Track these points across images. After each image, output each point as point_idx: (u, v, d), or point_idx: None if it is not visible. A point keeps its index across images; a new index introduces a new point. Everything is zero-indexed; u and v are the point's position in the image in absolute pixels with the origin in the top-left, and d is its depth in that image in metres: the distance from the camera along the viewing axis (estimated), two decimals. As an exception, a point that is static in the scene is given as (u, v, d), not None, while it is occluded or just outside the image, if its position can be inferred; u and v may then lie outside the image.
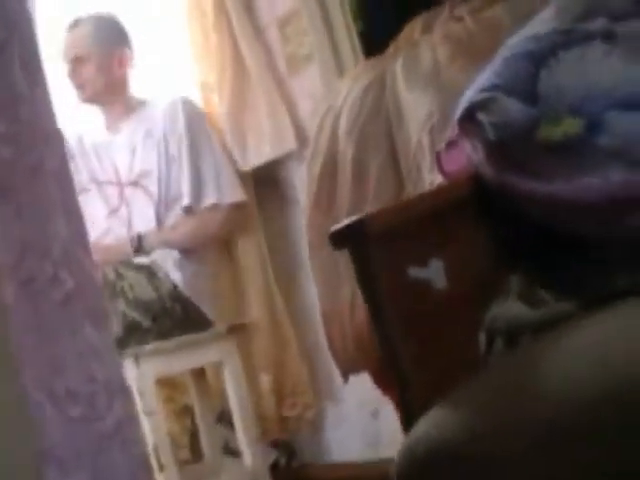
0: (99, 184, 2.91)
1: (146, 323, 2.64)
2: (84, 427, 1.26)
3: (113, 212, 2.88)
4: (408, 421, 0.98)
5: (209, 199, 2.78)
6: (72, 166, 2.90)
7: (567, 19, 1.26)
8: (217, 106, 2.96)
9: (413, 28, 2.18)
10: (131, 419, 1.33)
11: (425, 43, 1.97)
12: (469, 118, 1.18)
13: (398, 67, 1.92)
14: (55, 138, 1.33)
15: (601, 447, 0.78)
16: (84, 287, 1.32)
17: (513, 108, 1.14)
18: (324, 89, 2.65)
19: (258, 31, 2.93)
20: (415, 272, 1.02)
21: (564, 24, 1.25)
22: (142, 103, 2.95)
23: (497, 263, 1.16)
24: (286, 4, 2.83)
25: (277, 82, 2.88)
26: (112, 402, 1.31)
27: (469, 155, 1.21)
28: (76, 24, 2.87)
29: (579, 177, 1.09)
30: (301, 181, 2.58)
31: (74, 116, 2.98)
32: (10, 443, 1.15)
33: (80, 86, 2.88)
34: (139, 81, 3.03)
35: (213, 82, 2.95)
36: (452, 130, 1.27)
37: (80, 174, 2.90)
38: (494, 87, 1.17)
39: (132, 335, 2.62)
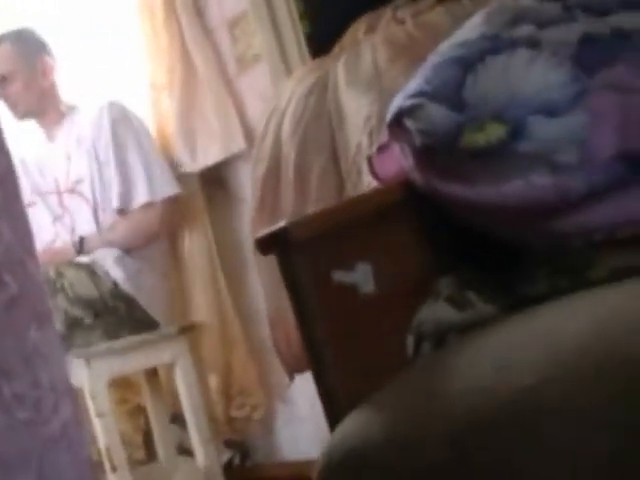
0: (42, 195, 2.93)
1: (88, 320, 2.65)
2: (30, 430, 1.27)
3: (57, 219, 2.89)
4: (334, 427, 1.00)
5: (140, 198, 2.79)
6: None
7: (495, 25, 1.28)
8: (166, 107, 2.96)
9: (357, 29, 2.20)
10: (77, 421, 1.34)
11: (367, 44, 1.98)
12: (397, 124, 1.20)
13: (340, 68, 1.94)
14: (-1, 146, 1.33)
15: (499, 464, 0.80)
16: (28, 290, 1.32)
17: (439, 114, 1.16)
18: (273, 89, 2.66)
19: (207, 32, 2.93)
20: (340, 276, 1.04)
21: (492, 30, 1.27)
22: (72, 108, 2.97)
23: (429, 267, 1.18)
24: (235, 6, 2.84)
25: (226, 82, 2.89)
26: (58, 405, 1.31)
27: (400, 160, 1.23)
28: None
29: (503, 182, 1.12)
30: (249, 180, 2.59)
31: (14, 131, 2.96)
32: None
33: (12, 105, 2.89)
34: (82, 84, 3.03)
35: (163, 83, 2.95)
36: (384, 135, 1.29)
37: (24, 191, 2.90)
38: (421, 93, 1.19)
39: (75, 332, 2.63)
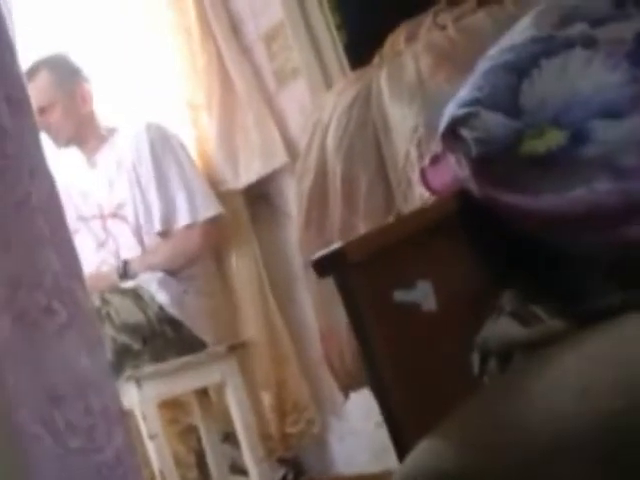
0: (85, 221, 2.91)
1: (136, 346, 2.64)
2: (83, 459, 1.25)
3: (101, 245, 2.89)
4: (400, 449, 0.96)
5: (183, 220, 2.78)
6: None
7: (545, 26, 1.24)
8: (206, 126, 2.95)
9: (397, 37, 2.16)
10: (130, 448, 1.32)
11: (409, 53, 1.95)
12: (452, 134, 1.17)
13: (383, 79, 1.90)
14: (42, 171, 1.32)
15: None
16: (78, 317, 1.31)
17: (495, 122, 1.12)
18: (312, 102, 2.64)
19: (244, 48, 2.92)
20: (401, 295, 1.01)
21: (543, 31, 1.23)
22: (111, 131, 2.95)
23: (489, 280, 1.14)
24: (271, 19, 2.82)
25: (266, 98, 2.88)
26: (111, 432, 1.29)
27: (455, 171, 1.19)
28: (32, 75, 2.86)
29: (565, 190, 1.08)
30: (294, 195, 2.57)
31: (56, 158, 2.97)
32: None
33: (53, 135, 2.88)
34: (120, 105, 3.03)
35: (201, 102, 2.95)
36: (437, 145, 1.25)
37: (69, 218, 2.89)
38: (475, 101, 1.15)
39: (124, 359, 2.62)
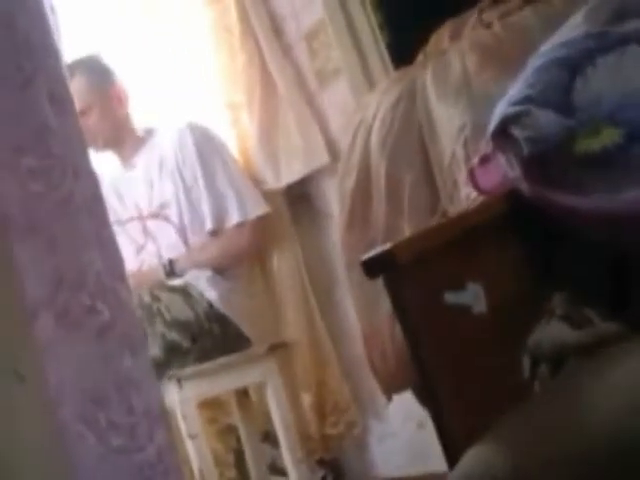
0: (122, 224, 2.89)
1: (186, 344, 2.64)
2: (125, 458, 1.25)
3: (141, 248, 2.88)
4: (450, 454, 0.94)
5: (233, 219, 2.78)
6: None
7: (598, 22, 1.21)
8: (247, 125, 2.95)
9: (442, 36, 2.14)
10: (171, 447, 1.32)
11: (454, 51, 1.92)
12: (502, 133, 1.14)
13: (428, 77, 1.88)
14: (85, 170, 1.32)
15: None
16: (121, 317, 1.31)
17: (548, 121, 1.09)
18: (354, 102, 2.63)
19: (285, 47, 2.91)
20: (452, 297, 0.99)
21: (597, 26, 1.20)
22: (150, 132, 2.94)
23: (540, 282, 1.11)
24: (312, 18, 2.81)
25: (307, 98, 2.86)
26: (153, 431, 1.29)
27: (505, 171, 1.17)
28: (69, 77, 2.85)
29: (622, 189, 1.05)
30: (335, 195, 2.56)
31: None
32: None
33: (91, 138, 2.87)
34: (158, 106, 3.03)
35: (242, 102, 2.94)
36: (486, 145, 1.23)
37: None
38: (526, 99, 1.12)
39: (173, 356, 2.62)
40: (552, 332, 1.05)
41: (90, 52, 2.95)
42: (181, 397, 2.54)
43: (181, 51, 3.09)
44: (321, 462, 3.03)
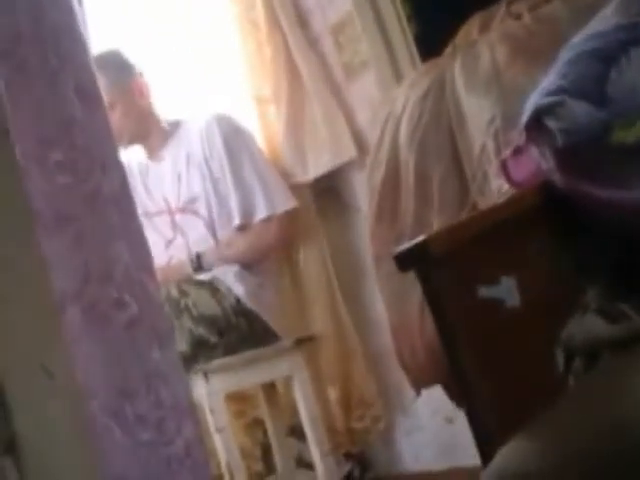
0: (150, 217, 2.89)
1: (213, 339, 2.64)
2: (153, 451, 1.25)
3: (169, 242, 2.88)
4: (484, 450, 0.94)
5: (261, 213, 2.76)
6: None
7: (630, 13, 1.20)
8: (274, 119, 2.94)
9: (471, 27, 2.13)
10: (199, 440, 1.32)
11: (483, 43, 1.91)
12: (536, 124, 1.13)
13: (457, 69, 1.87)
14: (113, 163, 1.32)
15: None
16: (148, 310, 1.31)
17: (582, 112, 1.08)
18: (381, 95, 2.61)
19: (312, 41, 2.90)
20: (485, 292, 0.98)
21: (628, 18, 1.18)
22: (176, 125, 2.93)
23: (574, 276, 1.10)
24: (339, 10, 2.80)
25: (334, 91, 2.85)
26: (181, 425, 1.29)
27: (538, 162, 1.16)
28: None
29: (656, 182, 1.03)
30: (362, 189, 2.55)
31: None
32: (75, 473, 1.14)
33: (116, 135, 2.86)
34: (191, 100, 3.03)
35: (269, 95, 2.93)
36: (518, 136, 1.22)
37: None
38: (560, 90, 1.11)
39: (200, 351, 2.62)
40: (586, 326, 1.04)
41: (109, 48, 2.94)
42: (208, 390, 2.54)
43: (209, 45, 3.09)
44: (348, 456, 3.03)
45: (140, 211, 2.86)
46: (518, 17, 1.96)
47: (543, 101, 1.12)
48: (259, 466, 3.06)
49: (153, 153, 2.93)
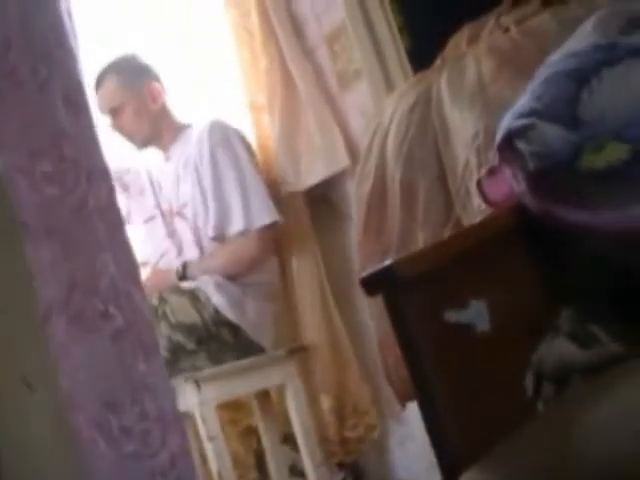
0: (162, 211, 2.93)
1: (190, 346, 2.64)
2: (138, 463, 1.25)
3: (170, 236, 2.89)
4: (448, 475, 0.93)
5: (236, 227, 2.73)
6: (123, 199, 2.97)
7: (609, 32, 1.19)
8: (268, 126, 2.94)
9: (459, 39, 2.12)
10: (186, 452, 1.32)
11: (470, 56, 1.90)
12: (508, 146, 1.13)
13: (443, 82, 1.86)
14: (100, 174, 1.32)
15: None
16: (134, 321, 1.31)
17: (553, 135, 1.07)
18: (374, 105, 2.61)
19: (307, 50, 2.90)
20: (453, 316, 0.97)
21: (605, 38, 1.18)
22: (185, 128, 2.94)
23: (546, 298, 1.09)
24: (334, 19, 2.80)
25: (328, 100, 2.85)
26: (166, 437, 1.29)
27: (512, 183, 1.15)
28: (101, 79, 2.87)
29: (626, 206, 1.03)
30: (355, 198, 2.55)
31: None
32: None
33: (128, 136, 2.90)
34: (187, 106, 3.03)
35: (263, 103, 2.93)
36: (493, 157, 1.22)
37: (148, 202, 2.95)
38: (532, 112, 1.11)
39: (179, 356, 2.62)
40: (557, 350, 1.04)
41: (125, 53, 2.96)
42: (200, 399, 2.54)
43: (204, 51, 3.10)
44: (341, 465, 3.02)
45: (155, 203, 2.89)
46: (507, 29, 1.95)
47: (515, 123, 1.12)
48: (253, 475, 3.06)
49: (166, 153, 2.94)
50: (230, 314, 2.68)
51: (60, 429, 1.22)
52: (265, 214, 2.76)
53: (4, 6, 1.29)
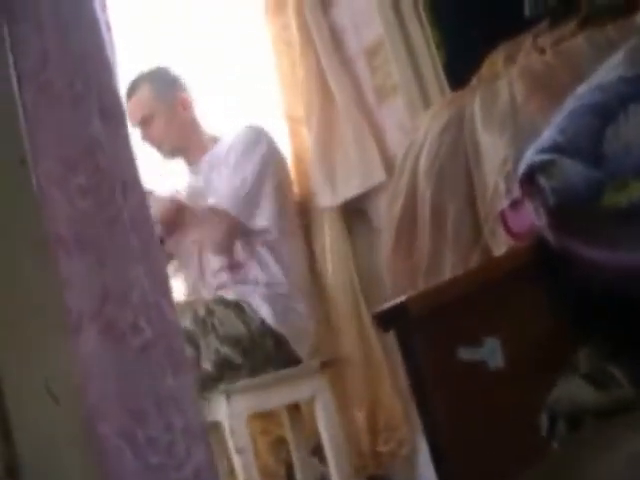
0: None
1: (237, 359, 2.65)
2: (163, 475, 1.26)
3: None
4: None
5: (224, 204, 2.70)
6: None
7: (636, 63, 1.17)
8: (305, 139, 2.94)
9: (496, 59, 2.11)
10: (211, 465, 1.32)
11: (505, 78, 1.89)
12: (530, 180, 1.11)
13: (476, 105, 1.85)
14: (134, 186, 1.33)
15: None
16: (164, 334, 1.32)
17: (574, 171, 1.06)
18: (411, 120, 2.60)
19: (345, 62, 2.89)
20: (466, 353, 0.96)
21: (632, 69, 1.16)
22: (215, 140, 2.95)
23: (564, 335, 1.08)
24: (373, 33, 2.78)
25: (365, 113, 2.83)
26: (191, 450, 1.30)
27: (533, 217, 1.14)
28: (133, 88, 2.90)
29: (646, 246, 1.01)
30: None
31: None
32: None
33: (157, 145, 2.91)
34: (225, 118, 3.05)
35: (301, 115, 2.93)
36: (516, 189, 1.20)
37: None
38: (555, 147, 1.09)
39: (224, 372, 2.63)
40: (572, 391, 1.02)
41: (158, 65, 2.99)
42: (229, 411, 2.55)
43: (244, 64, 3.11)
44: (372, 478, 3.02)
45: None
46: (543, 51, 1.93)
47: (536, 158, 1.10)
48: (282, 485, 3.06)
49: (193, 166, 2.96)
50: (276, 325, 2.69)
51: (85, 439, 1.23)
52: (240, 211, 2.70)
53: (40, 18, 1.31)
